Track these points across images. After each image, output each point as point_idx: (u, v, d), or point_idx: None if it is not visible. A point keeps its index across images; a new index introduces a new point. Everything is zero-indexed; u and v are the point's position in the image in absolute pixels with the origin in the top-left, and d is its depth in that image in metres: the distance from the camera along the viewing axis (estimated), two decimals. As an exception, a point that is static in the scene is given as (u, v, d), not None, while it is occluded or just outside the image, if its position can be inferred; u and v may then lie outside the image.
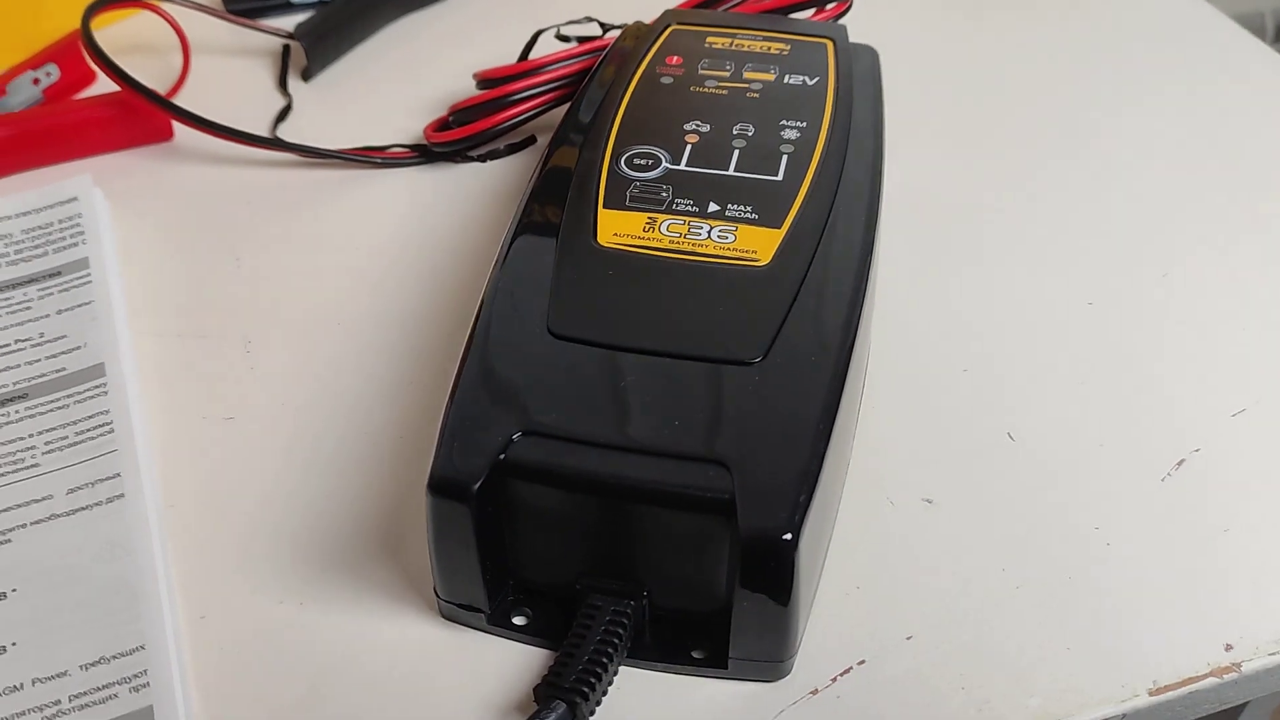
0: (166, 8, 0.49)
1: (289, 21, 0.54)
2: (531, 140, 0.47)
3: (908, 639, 0.31)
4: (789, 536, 0.27)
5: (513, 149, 0.46)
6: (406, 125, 0.49)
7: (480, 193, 0.45)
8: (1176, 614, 0.31)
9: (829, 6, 0.46)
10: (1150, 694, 0.30)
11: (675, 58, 0.41)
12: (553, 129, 0.47)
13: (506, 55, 0.50)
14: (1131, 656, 0.30)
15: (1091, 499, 0.34)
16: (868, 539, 0.33)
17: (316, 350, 0.39)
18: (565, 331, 0.31)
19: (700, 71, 0.41)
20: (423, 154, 0.46)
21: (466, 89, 0.50)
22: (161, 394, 0.37)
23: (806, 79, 0.40)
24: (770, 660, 0.29)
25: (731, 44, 0.42)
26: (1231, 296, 0.41)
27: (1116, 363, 0.38)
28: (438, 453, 0.29)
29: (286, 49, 0.52)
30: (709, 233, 0.34)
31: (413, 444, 0.36)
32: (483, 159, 0.46)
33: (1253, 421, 0.36)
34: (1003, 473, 0.35)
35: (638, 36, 0.43)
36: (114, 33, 0.51)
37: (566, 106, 0.42)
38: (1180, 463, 0.35)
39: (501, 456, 0.28)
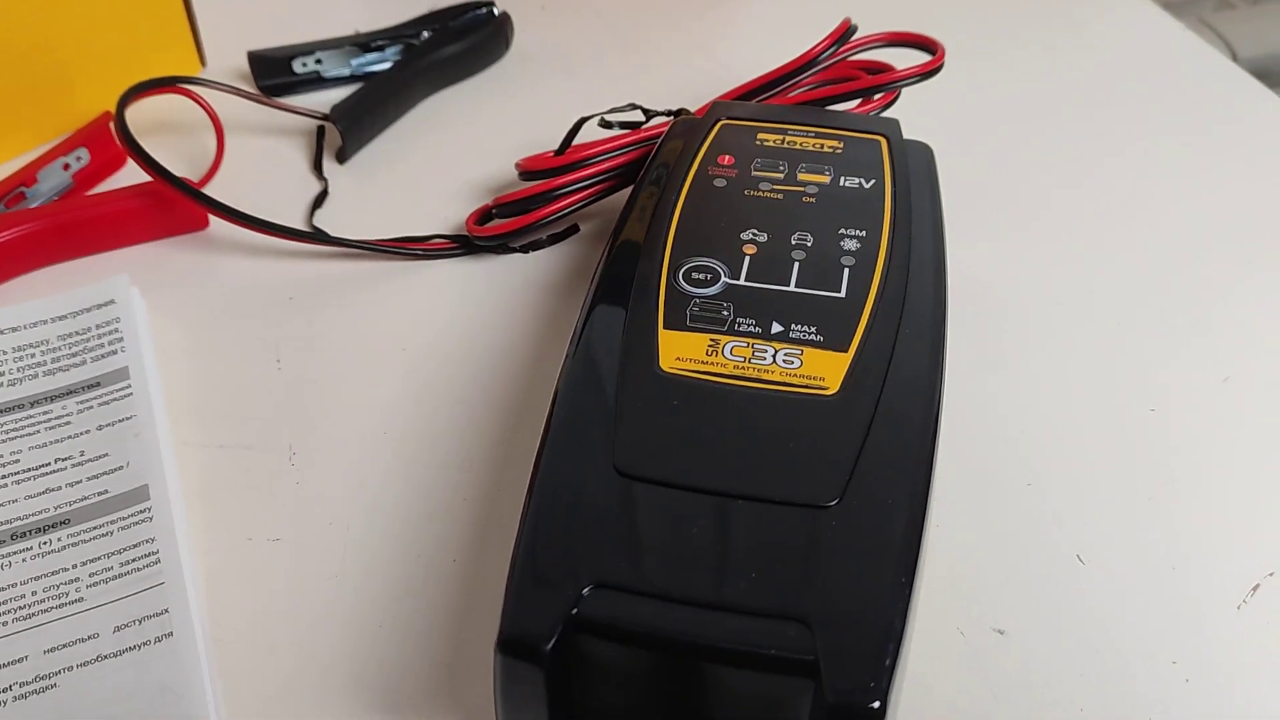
0: (199, 91, 0.48)
1: (322, 99, 0.53)
2: (574, 229, 0.46)
3: (987, 787, 0.30)
4: (877, 705, 0.26)
5: (555, 239, 0.46)
6: (445, 211, 0.48)
7: (524, 285, 0.45)
8: (1263, 759, 0.30)
9: (875, 98, 0.46)
10: None
11: (727, 157, 0.41)
12: (596, 217, 0.47)
13: (542, 132, 0.50)
14: (1219, 807, 0.29)
15: (1167, 628, 0.33)
16: (940, 674, 0.32)
17: (364, 462, 0.38)
18: (633, 470, 0.30)
19: (754, 173, 0.40)
20: (464, 245, 0.45)
21: (503, 171, 0.49)
22: (205, 512, 0.36)
23: (863, 181, 0.39)
24: (850, 819, 0.28)
25: (784, 141, 0.41)
26: (1298, 402, 0.40)
27: (1181, 475, 0.37)
28: (506, 610, 0.28)
29: (321, 130, 0.51)
30: (774, 356, 0.33)
31: (471, 570, 0.35)
32: (525, 250, 0.45)
33: (1328, 543, 0.35)
34: (1074, 600, 0.34)
35: (687, 131, 0.42)
36: (144, 110, 0.50)
37: (613, 202, 0.42)
38: (1256, 588, 0.34)
39: (574, 612, 0.27)
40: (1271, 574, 0.35)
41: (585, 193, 0.44)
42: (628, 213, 0.39)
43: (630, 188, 0.45)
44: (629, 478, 0.30)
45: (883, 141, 0.41)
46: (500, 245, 0.45)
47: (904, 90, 0.46)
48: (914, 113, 0.46)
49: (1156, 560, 0.35)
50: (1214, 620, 0.33)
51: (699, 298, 0.35)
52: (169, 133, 0.51)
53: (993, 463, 0.38)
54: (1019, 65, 0.58)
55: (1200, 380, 0.41)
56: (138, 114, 0.46)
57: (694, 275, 0.36)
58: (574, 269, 0.45)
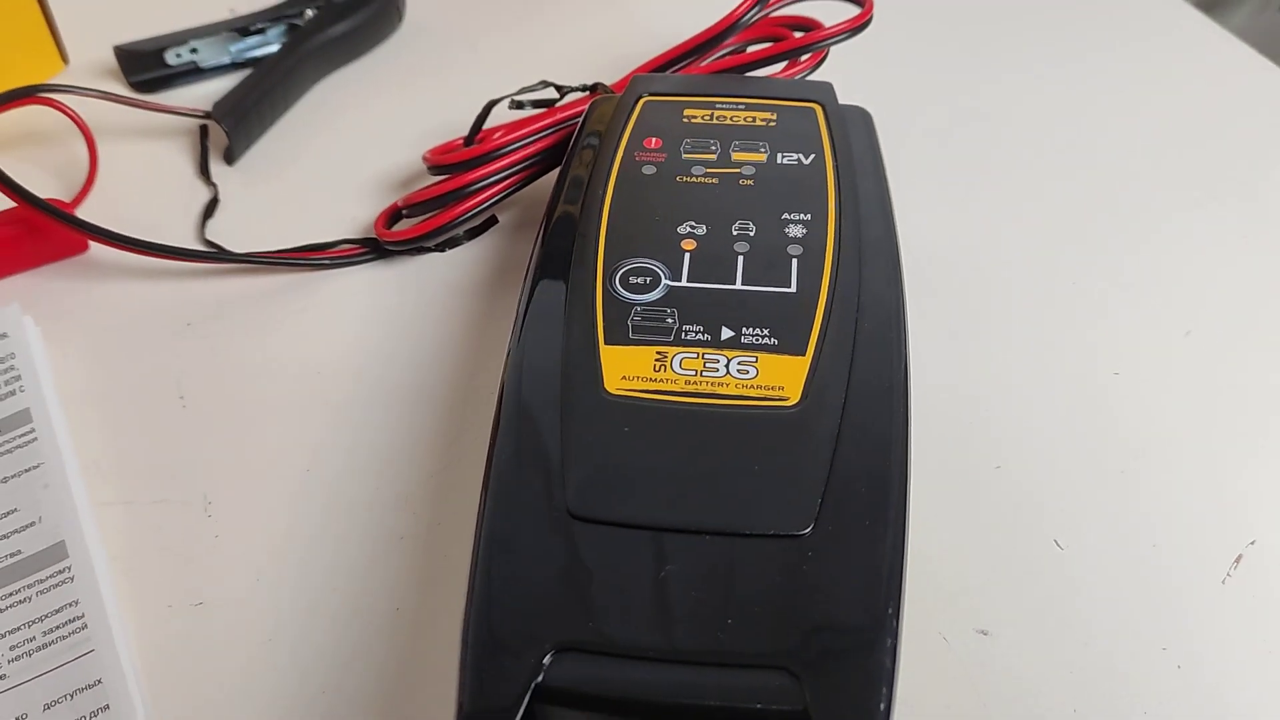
0: (62, 99, 0.43)
1: (202, 92, 0.49)
2: (493, 222, 0.43)
3: (987, 807, 0.28)
4: (875, 755, 0.24)
5: (473, 234, 0.42)
6: (350, 211, 0.44)
7: (443, 286, 0.41)
8: (1263, 746, 0.29)
9: (803, 59, 0.43)
10: (1250, 847, 0.28)
11: (654, 139, 0.38)
12: (514, 206, 0.44)
13: (446, 112, 0.46)
14: (1224, 804, 0.28)
15: (1153, 613, 0.32)
16: (927, 686, 0.30)
17: (288, 507, 0.35)
18: (588, 512, 0.27)
19: (684, 156, 0.37)
20: (373, 248, 0.42)
21: (410, 159, 0.46)
22: (121, 578, 0.33)
23: (801, 157, 0.37)
24: None
25: (712, 117, 0.38)
26: (1263, 352, 0.39)
27: (1152, 442, 0.36)
28: (463, 684, 0.25)
29: (204, 129, 0.47)
30: (727, 367, 0.30)
31: (417, 619, 0.32)
32: (441, 248, 0.42)
33: (1307, 504, 0.34)
34: (1056, 590, 0.32)
35: (607, 113, 0.39)
36: (4, 124, 0.45)
37: (533, 190, 0.38)
38: (1238, 559, 0.33)
39: (537, 680, 0.25)
40: (1253, 542, 0.33)
41: (502, 185, 0.40)
42: (552, 212, 0.35)
43: (550, 173, 0.42)
44: (584, 521, 0.27)
45: (818, 109, 0.39)
46: (414, 248, 0.41)
47: (832, 49, 0.43)
48: (842, 73, 0.43)
49: (1136, 539, 0.34)
50: (1200, 599, 0.32)
51: (640, 305, 0.32)
52: (34, 144, 0.46)
53: (959, 448, 0.36)
54: (949, 15, 0.55)
55: (1161, 336, 0.39)
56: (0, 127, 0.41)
57: (632, 280, 0.33)
58: (497, 265, 0.42)
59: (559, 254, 0.34)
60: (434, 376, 0.38)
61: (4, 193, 0.39)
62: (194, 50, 0.50)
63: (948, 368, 0.38)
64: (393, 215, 0.42)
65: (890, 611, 0.26)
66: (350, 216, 0.44)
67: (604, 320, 0.32)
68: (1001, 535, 0.34)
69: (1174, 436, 0.36)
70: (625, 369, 0.30)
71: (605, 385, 0.30)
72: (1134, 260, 0.42)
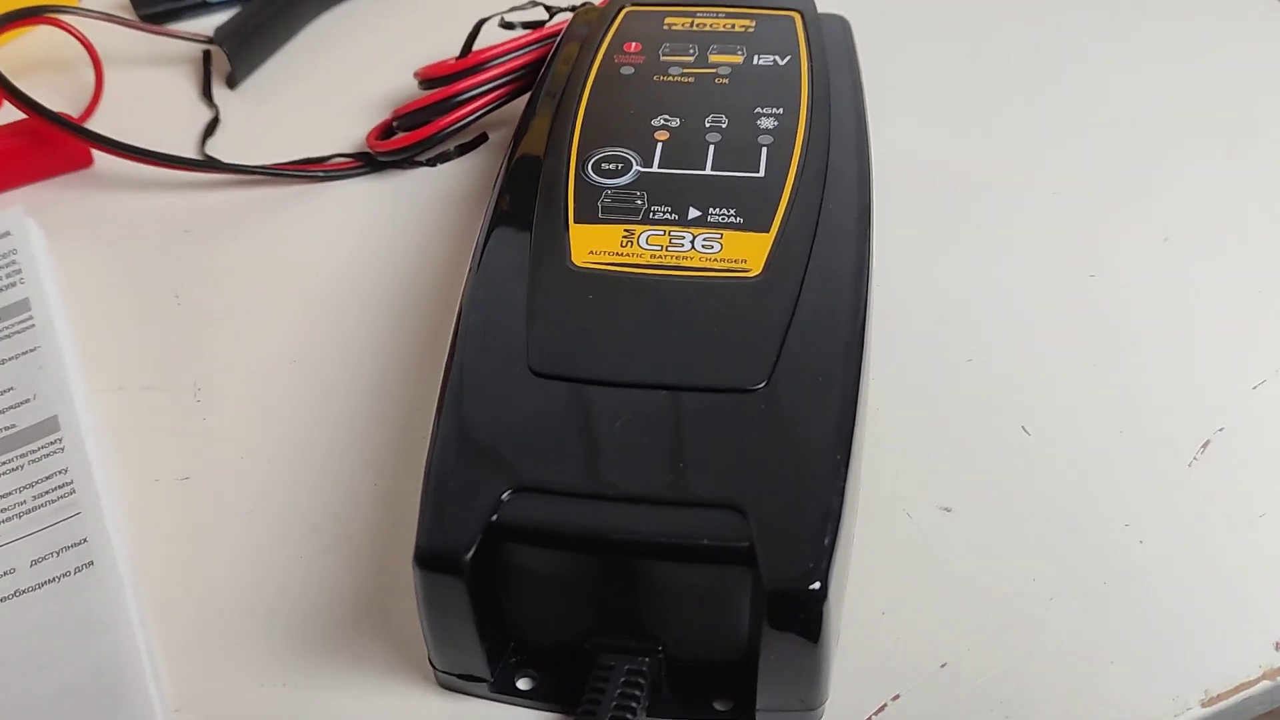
0: (70, 20, 0.45)
1: (206, 24, 0.50)
2: (483, 138, 0.44)
3: (942, 667, 0.29)
4: (817, 586, 0.24)
5: (463, 150, 0.43)
6: (346, 131, 0.45)
7: (433, 199, 0.42)
8: (1220, 613, 0.29)
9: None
10: (1203, 705, 0.28)
11: (634, 44, 0.38)
12: (505, 124, 0.45)
13: (444, 44, 0.47)
14: (1179, 665, 0.28)
15: (1117, 494, 0.32)
16: (887, 558, 0.31)
17: (273, 394, 0.36)
18: (548, 369, 0.28)
19: (662, 58, 0.38)
20: (367, 163, 0.43)
21: (406, 85, 0.47)
22: (111, 454, 0.34)
23: (777, 59, 0.37)
24: (801, 709, 0.27)
25: (692, 24, 0.39)
26: (1240, 258, 0.39)
27: (1125, 340, 0.36)
28: (421, 522, 0.26)
29: (207, 54, 0.48)
30: (692, 242, 0.31)
31: (391, 496, 0.33)
32: (432, 163, 0.43)
33: (1276, 393, 0.34)
34: (1021, 471, 0.33)
35: (590, 22, 0.40)
36: (15, 49, 0.47)
37: (521, 104, 0.39)
38: (1205, 445, 0.33)
39: (493, 519, 0.26)
40: (1222, 429, 0.34)
41: (490, 97, 0.42)
42: (531, 110, 0.36)
43: (537, 89, 0.43)
44: (544, 377, 0.28)
45: (796, 17, 0.39)
46: (405, 159, 0.42)
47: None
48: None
49: (1103, 427, 0.34)
50: (1165, 481, 0.32)
51: (610, 189, 0.33)
52: (44, 69, 0.47)
53: (932, 341, 0.36)
54: None
55: (1139, 242, 0.39)
56: (7, 50, 0.43)
57: (604, 166, 0.34)
58: (484, 180, 0.43)
59: (533, 146, 0.35)
60: (418, 279, 0.39)
61: (12, 103, 0.41)
62: (202, -17, 0.51)
63: (923, 268, 0.38)
64: (385, 129, 0.43)
65: (839, 458, 0.26)
66: (347, 135, 0.45)
67: (575, 201, 0.32)
68: (970, 421, 0.34)
69: (1146, 333, 0.36)
70: (593, 245, 0.31)
71: (573, 258, 0.31)
72: (1115, 171, 0.42)
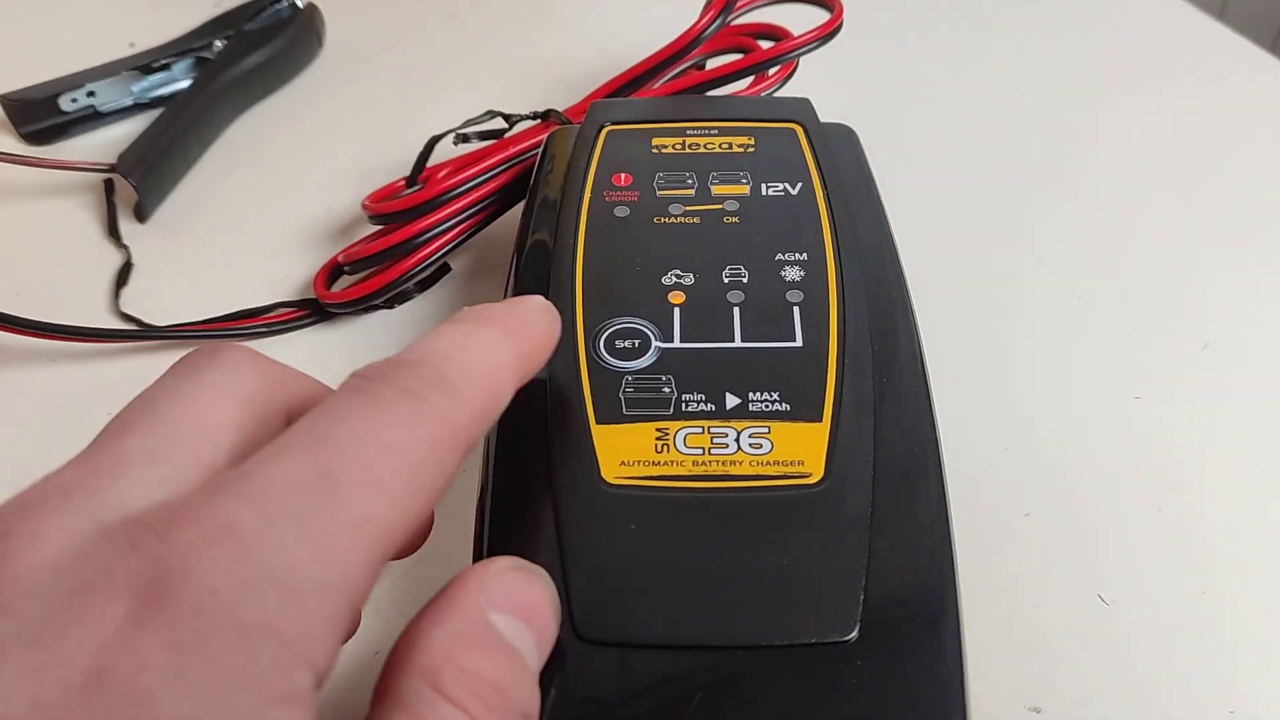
0: (-56, 161, 0.38)
1: (104, 140, 0.44)
2: (446, 270, 0.39)
3: None
4: None
5: (424, 286, 0.38)
6: (283, 267, 0.40)
7: (395, 347, 0.36)
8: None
9: (771, 73, 0.39)
10: None
11: (624, 175, 0.34)
12: (469, 250, 0.40)
13: (379, 146, 0.42)
14: None
15: (1216, 673, 0.29)
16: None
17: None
18: (600, 633, 0.24)
19: (659, 193, 0.33)
20: (314, 311, 0.37)
21: (345, 203, 0.42)
22: None
23: (788, 187, 0.33)
24: None
25: (684, 145, 0.35)
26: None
27: (1188, 472, 0.33)
28: None
29: (109, 183, 0.42)
30: (738, 440, 0.27)
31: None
32: (390, 304, 0.38)
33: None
34: (1104, 653, 0.29)
35: (568, 147, 0.35)
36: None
37: (493, 234, 0.34)
38: (1295, 600, 0.30)
39: None
40: (1306, 579, 0.31)
41: (454, 232, 0.36)
42: (518, 271, 0.32)
43: (505, 214, 0.38)
44: (596, 644, 0.24)
45: (798, 130, 0.35)
46: (360, 308, 0.37)
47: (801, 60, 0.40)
48: (812, 87, 0.39)
49: (1183, 588, 0.31)
50: (1265, 654, 0.29)
51: (631, 374, 0.28)
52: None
53: (986, 498, 0.33)
54: (926, 17, 0.52)
55: (1176, 350, 0.36)
56: None
57: (617, 344, 0.29)
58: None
59: (532, 320, 0.30)
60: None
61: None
62: (91, 94, 0.45)
63: (965, 412, 0.35)
64: (333, 271, 0.38)
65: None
66: (284, 274, 0.39)
67: (593, 394, 0.28)
68: (1041, 590, 0.31)
69: (1192, 475, 0.33)
70: (623, 452, 0.27)
71: (602, 473, 0.26)
72: (1143, 271, 0.39)
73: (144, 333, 0.36)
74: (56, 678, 0.15)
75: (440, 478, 0.20)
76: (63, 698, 0.15)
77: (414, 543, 0.25)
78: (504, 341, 0.23)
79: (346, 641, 0.24)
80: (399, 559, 0.26)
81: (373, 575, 0.18)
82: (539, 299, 0.25)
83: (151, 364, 0.36)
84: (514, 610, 0.21)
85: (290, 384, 0.23)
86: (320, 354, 0.37)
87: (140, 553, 0.16)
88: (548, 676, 0.23)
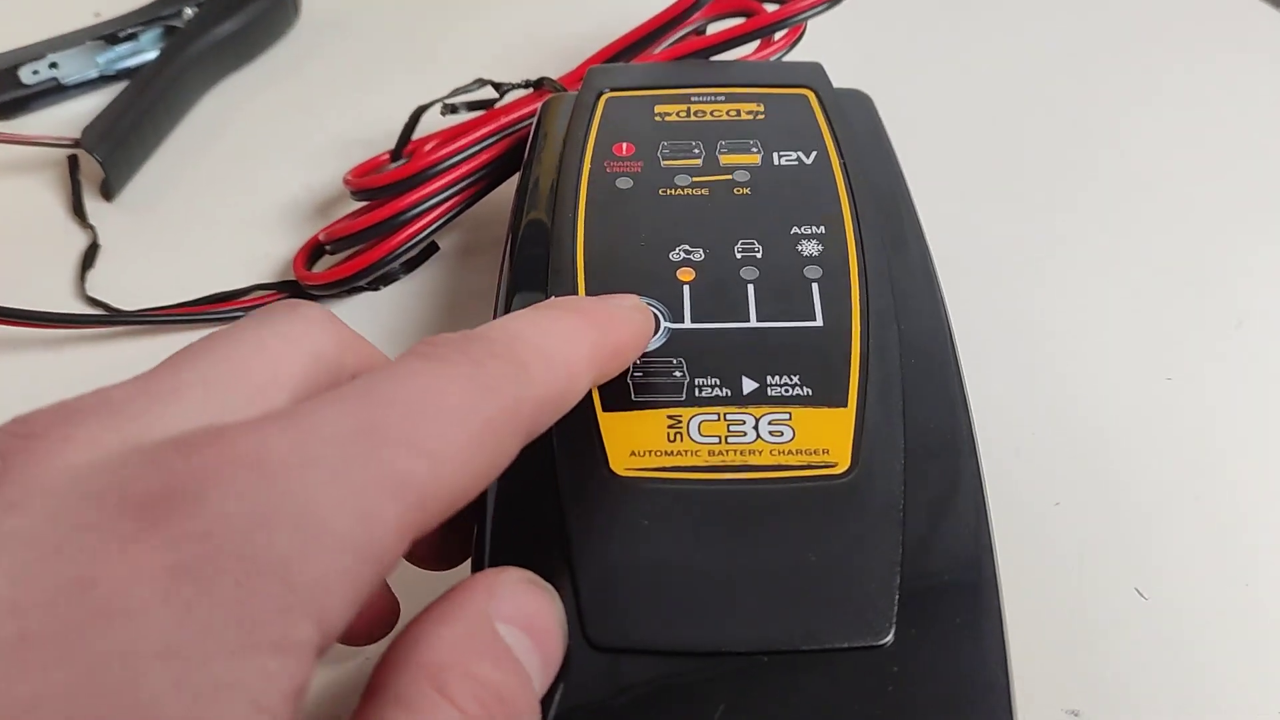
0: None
1: (68, 114, 0.41)
2: (433, 249, 0.36)
3: None
4: None
5: (411, 266, 0.36)
6: (260, 245, 0.37)
7: (382, 330, 0.35)
8: None
9: (777, 38, 0.37)
10: None
11: (625, 145, 0.32)
12: (459, 228, 0.37)
13: (360, 119, 0.40)
14: None
15: (1264, 671, 0.27)
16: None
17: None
18: (612, 639, 0.22)
19: (664, 163, 0.31)
20: (294, 292, 0.35)
21: (325, 178, 0.40)
22: None
23: (801, 155, 0.31)
24: None
25: (689, 113, 0.33)
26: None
27: (1215, 464, 0.31)
28: None
29: (73, 159, 0.39)
30: (756, 428, 0.25)
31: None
32: (374, 286, 0.36)
33: None
34: (1144, 651, 0.28)
35: (564, 115, 0.33)
36: None
37: (483, 210, 0.32)
38: (1343, 593, 0.29)
39: None
40: (1354, 570, 0.29)
41: (442, 208, 0.34)
42: (514, 248, 0.29)
43: (496, 189, 0.36)
44: (607, 651, 0.22)
45: (810, 96, 0.33)
46: (343, 289, 0.35)
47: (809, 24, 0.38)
48: (821, 53, 0.37)
49: (1226, 582, 0.29)
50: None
51: (640, 358, 0.26)
52: None
53: (1013, 487, 0.31)
54: None
55: (1210, 329, 0.35)
56: None
57: (624, 325, 0.27)
58: (442, 300, 0.36)
59: (530, 302, 0.28)
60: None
61: None
62: (54, 65, 0.42)
63: (992, 397, 0.33)
64: (313, 251, 0.36)
65: (1004, 730, 0.21)
66: (262, 253, 0.37)
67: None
68: (1077, 586, 0.29)
69: (1234, 475, 0.31)
70: (633, 442, 0.25)
71: (612, 465, 0.24)
72: (1173, 246, 0.37)
73: (111, 318, 0.34)
74: (41, 581, 0.14)
75: (497, 457, 0.18)
76: (41, 600, 0.14)
77: (376, 629, 0.24)
78: (587, 334, 0.22)
79: (375, 636, 0.23)
80: (352, 645, 0.25)
81: (403, 543, 0.17)
82: (634, 298, 0.25)
83: (120, 351, 0.34)
84: (522, 625, 0.19)
85: (362, 350, 0.22)
86: (301, 339, 0.35)
87: (160, 468, 0.15)
88: (554, 686, 0.21)
